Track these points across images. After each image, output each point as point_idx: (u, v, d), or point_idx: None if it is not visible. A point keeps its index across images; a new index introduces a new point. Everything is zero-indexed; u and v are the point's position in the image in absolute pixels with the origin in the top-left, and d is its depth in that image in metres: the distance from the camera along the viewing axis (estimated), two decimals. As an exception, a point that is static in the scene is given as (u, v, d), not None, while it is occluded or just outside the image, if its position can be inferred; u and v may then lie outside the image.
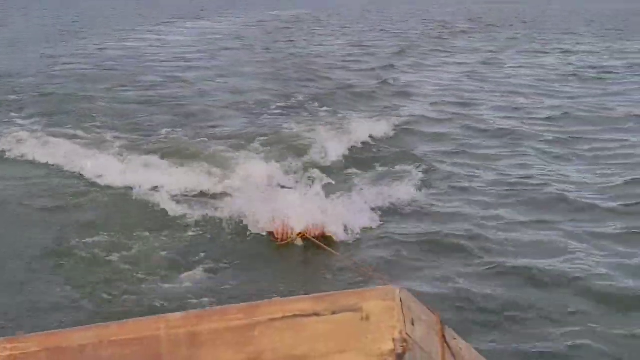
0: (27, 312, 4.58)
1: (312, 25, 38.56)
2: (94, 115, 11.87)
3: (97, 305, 4.70)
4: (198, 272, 5.22)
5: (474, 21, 41.66)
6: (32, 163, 8.82)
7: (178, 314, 2.43)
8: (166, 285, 5.00)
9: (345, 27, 36.79)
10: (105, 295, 4.84)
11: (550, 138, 11.13)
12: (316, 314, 2.42)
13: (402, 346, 2.42)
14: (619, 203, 7.47)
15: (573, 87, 16.95)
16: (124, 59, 21.17)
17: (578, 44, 27.31)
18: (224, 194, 6.83)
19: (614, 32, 33.88)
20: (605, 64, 21.10)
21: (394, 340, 2.42)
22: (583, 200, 7.72)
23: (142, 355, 2.33)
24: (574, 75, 18.75)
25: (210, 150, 8.91)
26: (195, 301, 4.66)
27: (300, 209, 5.80)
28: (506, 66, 20.73)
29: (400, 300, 2.43)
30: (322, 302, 2.45)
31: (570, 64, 21.14)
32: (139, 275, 5.18)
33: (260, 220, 5.88)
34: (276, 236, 5.69)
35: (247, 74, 18.07)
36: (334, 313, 2.42)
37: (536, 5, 62.97)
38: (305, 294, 2.72)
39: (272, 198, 6.13)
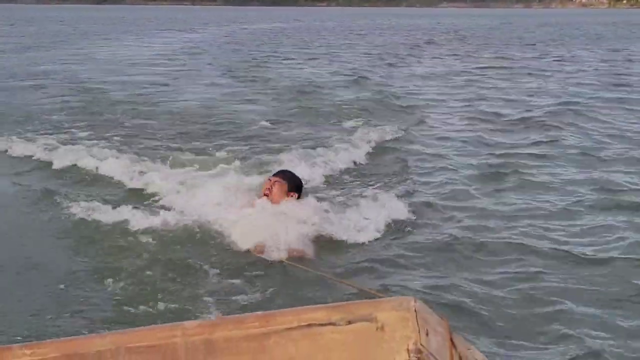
0: (45, 317, 4.48)
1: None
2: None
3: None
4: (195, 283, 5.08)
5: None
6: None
7: (194, 322, 2.43)
8: (162, 294, 4.83)
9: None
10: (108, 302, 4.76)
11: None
12: (331, 324, 2.39)
13: (416, 357, 2.39)
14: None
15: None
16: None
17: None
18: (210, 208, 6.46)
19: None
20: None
21: (408, 350, 2.40)
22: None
23: None
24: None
25: (197, 159, 8.78)
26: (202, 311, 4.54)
27: (285, 229, 5.66)
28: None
29: (415, 311, 2.41)
30: (338, 311, 2.43)
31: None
32: (125, 285, 5.03)
33: (248, 240, 5.68)
34: (262, 255, 5.51)
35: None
36: (349, 323, 2.40)
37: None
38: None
39: (258, 217, 5.94)
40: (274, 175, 6.48)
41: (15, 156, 9.28)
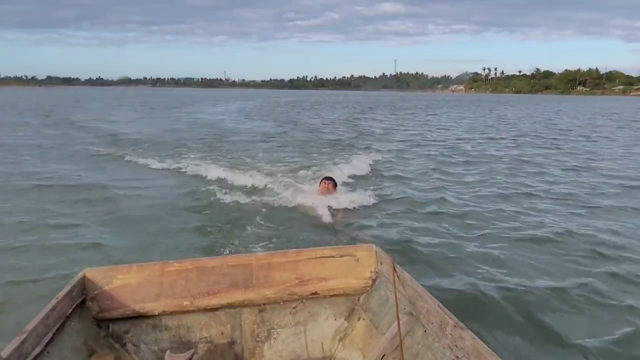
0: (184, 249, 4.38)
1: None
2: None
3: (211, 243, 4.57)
4: (267, 231, 4.96)
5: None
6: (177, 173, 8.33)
7: (262, 253, 2.47)
8: (251, 236, 4.76)
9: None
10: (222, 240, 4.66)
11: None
12: (332, 256, 2.44)
13: (375, 274, 2.45)
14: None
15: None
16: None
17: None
18: (283, 193, 6.41)
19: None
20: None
21: (370, 271, 2.46)
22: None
23: (244, 272, 2.35)
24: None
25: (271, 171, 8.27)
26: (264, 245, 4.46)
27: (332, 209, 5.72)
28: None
29: (375, 251, 2.47)
30: (336, 250, 2.47)
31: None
32: (232, 229, 4.95)
33: (306, 209, 5.70)
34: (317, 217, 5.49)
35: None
36: (341, 256, 2.45)
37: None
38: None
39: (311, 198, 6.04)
40: (325, 179, 6.46)
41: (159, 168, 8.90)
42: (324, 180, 6.44)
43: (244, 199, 6.20)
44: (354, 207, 5.95)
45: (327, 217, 5.41)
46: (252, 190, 6.67)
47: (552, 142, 14.67)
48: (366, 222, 5.50)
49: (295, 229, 5.13)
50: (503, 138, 15.80)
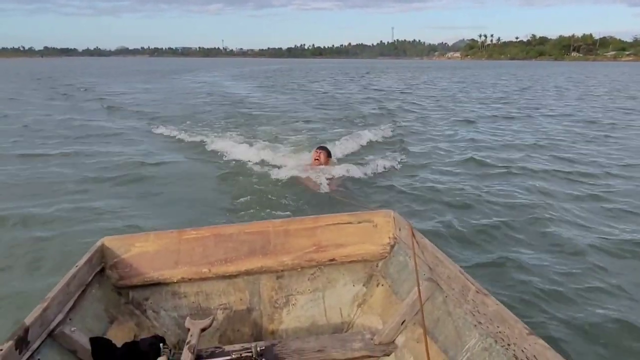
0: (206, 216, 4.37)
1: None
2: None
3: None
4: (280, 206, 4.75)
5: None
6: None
7: (278, 220, 2.39)
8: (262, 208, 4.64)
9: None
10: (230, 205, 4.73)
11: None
12: (350, 223, 2.38)
13: (394, 241, 2.39)
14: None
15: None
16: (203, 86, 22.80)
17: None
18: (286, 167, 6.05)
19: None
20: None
21: (389, 237, 2.39)
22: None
23: (261, 239, 2.31)
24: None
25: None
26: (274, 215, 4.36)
27: (323, 177, 5.36)
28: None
29: (393, 217, 2.40)
30: (354, 217, 2.40)
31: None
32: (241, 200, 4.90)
33: (304, 182, 5.36)
34: (312, 189, 5.17)
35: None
36: (359, 223, 2.38)
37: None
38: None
39: (310, 171, 5.61)
40: (318, 148, 5.97)
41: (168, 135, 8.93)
42: (316, 150, 5.86)
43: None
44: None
45: (324, 188, 5.05)
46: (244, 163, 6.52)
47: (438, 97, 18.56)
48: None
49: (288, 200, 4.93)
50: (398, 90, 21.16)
